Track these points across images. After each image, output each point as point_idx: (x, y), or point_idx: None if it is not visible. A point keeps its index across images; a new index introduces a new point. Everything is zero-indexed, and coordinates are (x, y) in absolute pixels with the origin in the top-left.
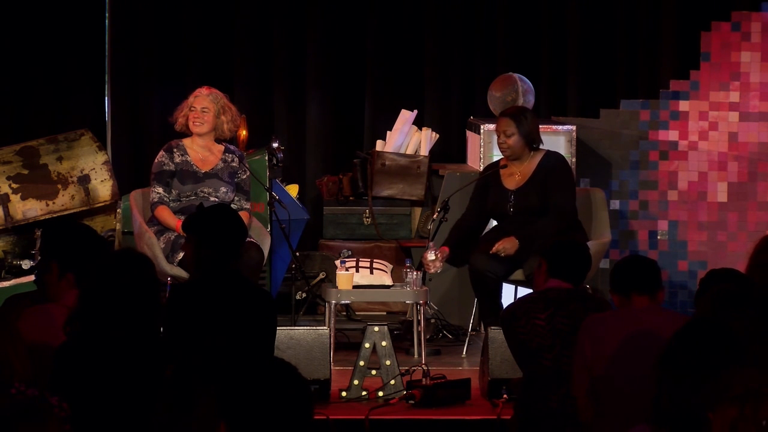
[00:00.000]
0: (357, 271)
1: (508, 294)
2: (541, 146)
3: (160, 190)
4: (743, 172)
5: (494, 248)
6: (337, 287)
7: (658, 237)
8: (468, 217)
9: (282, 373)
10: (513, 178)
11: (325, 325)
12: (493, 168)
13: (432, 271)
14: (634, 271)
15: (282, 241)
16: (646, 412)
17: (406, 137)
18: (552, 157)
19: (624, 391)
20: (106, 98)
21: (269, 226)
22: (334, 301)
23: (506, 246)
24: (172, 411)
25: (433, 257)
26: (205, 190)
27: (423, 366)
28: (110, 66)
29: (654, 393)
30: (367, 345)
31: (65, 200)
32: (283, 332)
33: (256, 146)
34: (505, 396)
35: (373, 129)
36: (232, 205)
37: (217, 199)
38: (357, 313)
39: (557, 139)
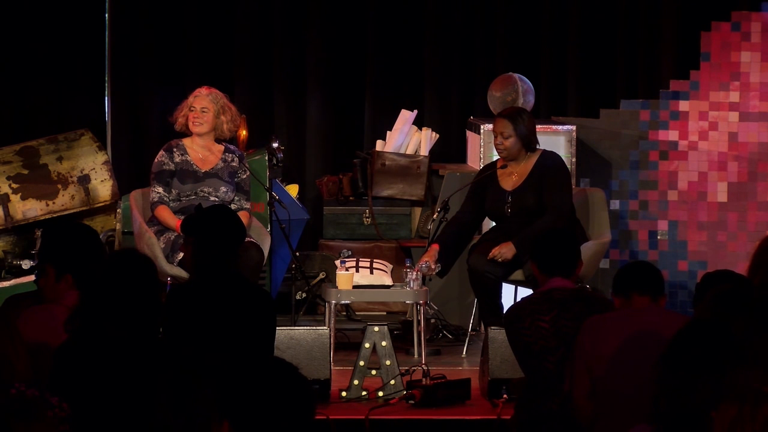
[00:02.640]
0: (357, 271)
1: (508, 294)
2: (538, 147)
3: (160, 189)
4: (743, 172)
5: (491, 254)
6: (337, 287)
7: (658, 237)
8: (461, 216)
9: (284, 373)
10: (510, 179)
11: (325, 325)
12: (491, 169)
13: (433, 273)
14: (637, 272)
15: (282, 241)
16: (646, 412)
17: (406, 137)
18: (548, 156)
19: (624, 391)
20: (106, 98)
21: (269, 226)
22: (334, 301)
23: (503, 251)
24: (172, 411)
25: (426, 269)
26: (205, 189)
27: (423, 366)
28: (110, 66)
29: (654, 393)
30: (367, 345)
31: (65, 200)
32: (283, 332)
33: (256, 146)
34: (505, 396)
35: (373, 129)
36: (232, 205)
37: (217, 199)
38: (357, 313)
39: (557, 139)
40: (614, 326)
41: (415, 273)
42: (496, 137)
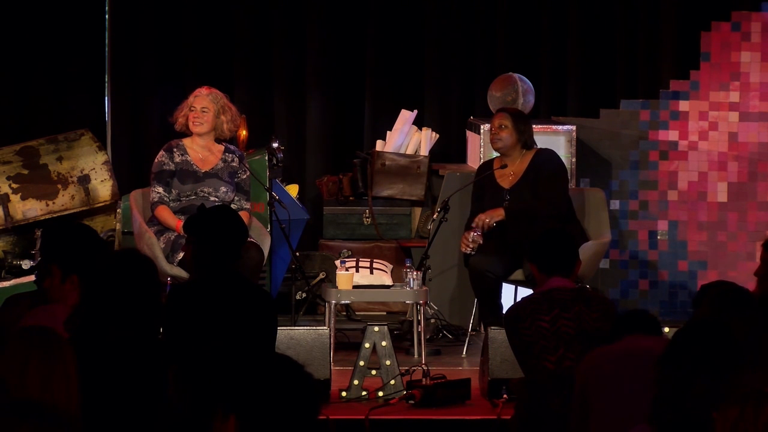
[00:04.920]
0: (357, 271)
1: (508, 294)
2: (535, 146)
3: (160, 189)
4: (743, 172)
5: (475, 221)
6: (337, 287)
7: (658, 237)
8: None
9: (290, 367)
10: (508, 178)
11: (325, 325)
12: (489, 168)
13: (469, 250)
14: (630, 316)
15: (282, 241)
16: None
17: (406, 137)
18: (543, 153)
19: (620, 400)
20: (106, 98)
21: (269, 226)
22: (334, 301)
23: (491, 214)
24: (175, 412)
25: (473, 238)
26: (205, 189)
27: (423, 366)
28: (110, 66)
29: (654, 393)
30: (367, 345)
31: (65, 200)
32: (283, 332)
33: (256, 146)
34: (505, 396)
35: (373, 129)
36: (232, 205)
37: (217, 199)
38: (357, 313)
39: (557, 139)
40: (607, 349)
41: (471, 234)
42: (492, 128)
